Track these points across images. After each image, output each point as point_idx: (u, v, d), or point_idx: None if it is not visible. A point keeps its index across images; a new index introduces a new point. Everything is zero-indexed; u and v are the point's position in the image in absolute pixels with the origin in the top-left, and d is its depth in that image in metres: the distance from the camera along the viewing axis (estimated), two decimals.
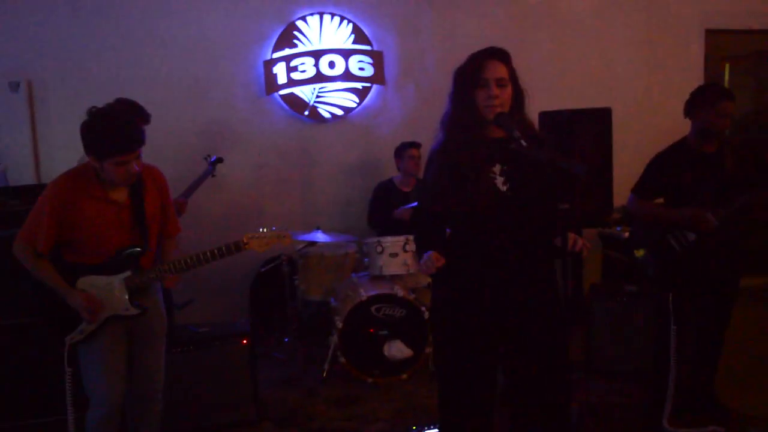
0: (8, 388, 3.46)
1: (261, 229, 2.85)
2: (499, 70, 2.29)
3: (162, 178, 2.94)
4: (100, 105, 3.82)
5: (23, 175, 4.87)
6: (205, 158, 4.77)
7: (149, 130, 3.90)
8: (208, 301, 5.20)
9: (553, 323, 2.38)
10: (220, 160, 4.78)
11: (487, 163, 2.32)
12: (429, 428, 3.33)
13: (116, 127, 2.55)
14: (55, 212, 2.61)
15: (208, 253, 2.77)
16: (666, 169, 3.39)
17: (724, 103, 3.27)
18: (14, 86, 4.93)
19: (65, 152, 4.59)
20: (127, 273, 2.72)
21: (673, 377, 3.30)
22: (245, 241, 2.79)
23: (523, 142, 2.18)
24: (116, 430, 2.79)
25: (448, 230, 2.48)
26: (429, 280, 4.59)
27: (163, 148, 4.69)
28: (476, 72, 2.29)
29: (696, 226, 3.23)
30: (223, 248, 2.77)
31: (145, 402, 2.94)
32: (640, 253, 3.42)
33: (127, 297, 2.72)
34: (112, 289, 2.71)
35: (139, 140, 2.61)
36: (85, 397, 2.76)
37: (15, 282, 3.34)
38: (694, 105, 3.36)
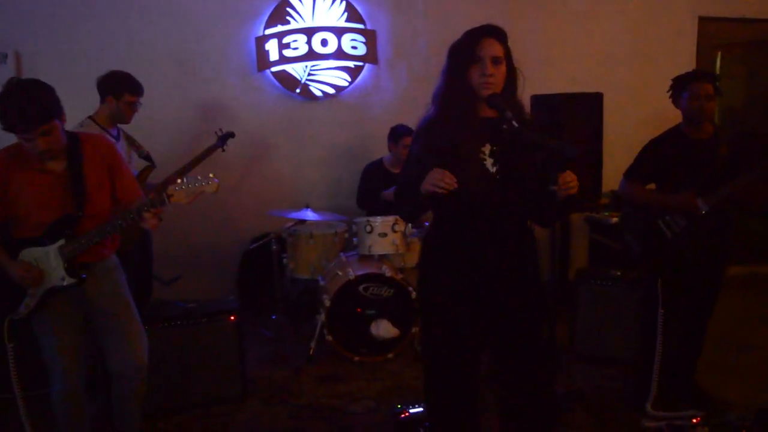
0: None
1: (183, 180, 2.64)
2: (495, 48, 2.27)
3: (106, 147, 2.83)
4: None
5: None
6: (216, 132, 4.71)
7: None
8: (196, 278, 5.21)
9: (535, 304, 2.40)
10: (231, 134, 4.72)
11: (477, 143, 2.31)
12: (414, 407, 3.36)
13: (14, 107, 2.46)
14: None
15: (135, 210, 2.62)
16: (660, 154, 3.41)
17: (696, 84, 3.29)
18: (2, 57, 4.87)
19: None
20: (61, 241, 2.67)
21: (658, 361, 3.35)
22: (169, 193, 2.60)
23: (515, 123, 2.18)
24: (79, 407, 2.83)
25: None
26: (417, 260, 4.61)
27: (152, 123, 4.68)
28: (472, 49, 2.27)
29: (686, 209, 3.26)
30: (147, 203, 2.61)
31: (123, 381, 2.91)
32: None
33: (62, 266, 2.67)
34: (48, 260, 2.67)
35: (35, 120, 2.48)
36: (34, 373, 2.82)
37: None
38: (674, 93, 3.42)
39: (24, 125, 2.47)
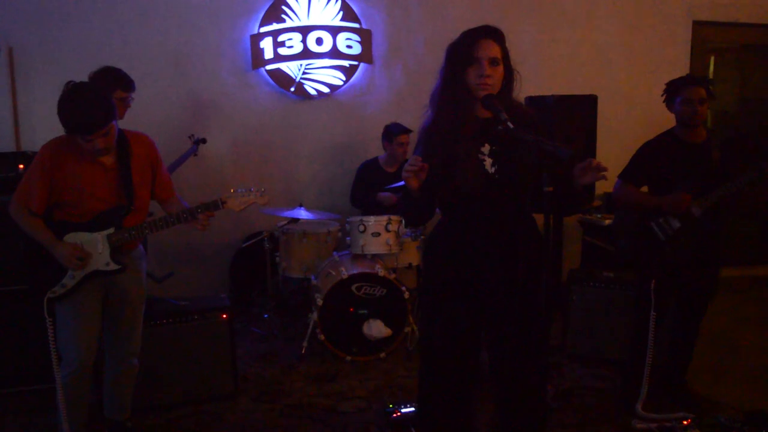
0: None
1: (238, 189, 2.98)
2: (492, 50, 2.27)
3: (149, 145, 3.02)
4: (82, 73, 3.80)
5: (3, 143, 4.80)
6: (190, 137, 4.77)
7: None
8: (189, 275, 5.20)
9: (536, 304, 2.41)
10: (203, 140, 4.83)
11: (476, 143, 2.31)
12: (406, 406, 3.37)
13: (77, 110, 2.62)
14: (46, 172, 2.74)
15: (189, 211, 2.89)
16: (654, 157, 3.43)
17: (689, 89, 3.33)
18: None
19: (46, 120, 4.52)
20: (110, 230, 2.83)
21: (648, 363, 3.36)
22: (223, 199, 2.92)
23: (510, 124, 2.18)
24: (87, 386, 2.92)
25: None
26: (410, 260, 4.62)
27: (144, 119, 4.64)
28: (469, 50, 2.27)
29: (677, 209, 3.27)
30: (202, 206, 2.88)
31: (120, 364, 3.06)
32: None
33: (108, 252, 2.82)
34: (95, 245, 2.81)
35: (99, 123, 2.64)
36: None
37: (2, 251, 3.50)
38: (667, 97, 3.46)
39: (88, 128, 2.63)
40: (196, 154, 4.81)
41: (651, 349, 3.35)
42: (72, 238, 2.79)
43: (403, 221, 4.40)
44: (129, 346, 3.05)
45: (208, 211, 2.90)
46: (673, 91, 3.41)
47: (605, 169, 2.19)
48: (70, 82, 2.68)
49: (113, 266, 2.84)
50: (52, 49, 4.92)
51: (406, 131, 4.90)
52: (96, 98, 2.65)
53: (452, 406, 2.49)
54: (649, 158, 3.45)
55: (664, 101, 3.48)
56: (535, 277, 2.42)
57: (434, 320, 2.47)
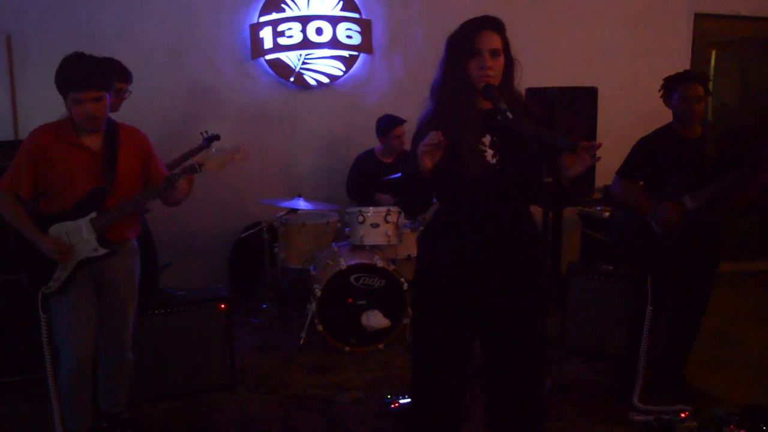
0: None
1: (212, 150, 2.90)
2: (493, 41, 2.25)
3: (141, 140, 3.00)
4: None
5: (1, 132, 4.77)
6: (202, 133, 4.72)
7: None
8: (187, 266, 5.19)
9: (533, 298, 2.40)
10: (216, 137, 4.73)
11: (477, 134, 2.30)
12: (404, 397, 3.37)
13: (78, 64, 2.66)
14: (32, 156, 2.74)
15: (168, 180, 2.80)
16: (650, 152, 3.43)
17: (687, 86, 3.32)
18: None
19: (44, 108, 4.49)
20: (93, 214, 2.78)
21: (644, 357, 3.37)
22: (200, 162, 2.83)
23: (510, 115, 2.16)
24: (88, 381, 2.89)
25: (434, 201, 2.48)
26: (409, 252, 4.61)
27: (143, 111, 4.62)
28: (470, 41, 2.24)
29: (668, 219, 3.27)
30: (180, 171, 2.82)
31: (113, 358, 3.05)
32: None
33: (95, 237, 2.78)
34: (80, 232, 2.77)
35: (97, 82, 2.67)
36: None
37: None
38: (665, 93, 3.45)
39: (84, 83, 2.63)
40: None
41: (646, 343, 3.36)
42: (56, 229, 2.75)
43: (402, 212, 4.39)
44: (121, 340, 3.02)
45: (187, 176, 2.82)
46: (671, 87, 3.40)
47: (598, 146, 2.07)
48: (77, 51, 2.70)
49: (101, 251, 2.79)
50: (49, 37, 4.88)
51: (400, 123, 4.87)
52: (97, 61, 2.69)
53: (444, 401, 2.47)
54: (646, 154, 3.45)
55: (661, 96, 3.48)
56: (533, 271, 2.41)
57: (428, 314, 2.45)
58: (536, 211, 2.56)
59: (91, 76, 2.65)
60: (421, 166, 2.17)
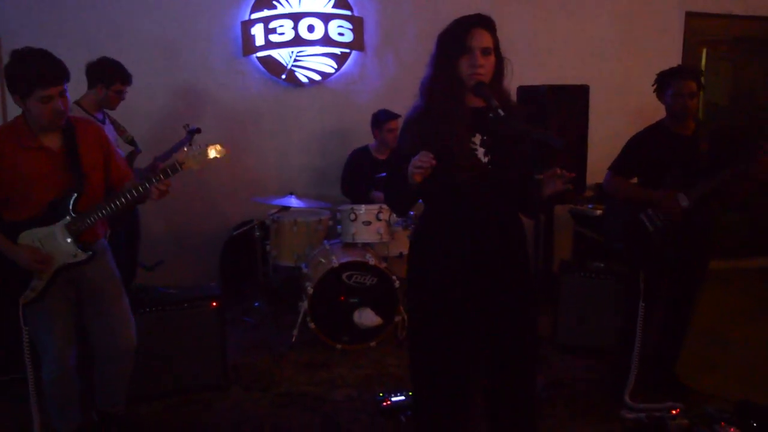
0: None
1: (193, 147, 2.82)
2: (484, 39, 2.25)
3: (96, 130, 2.88)
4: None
5: None
6: (184, 127, 4.72)
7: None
8: (179, 264, 5.18)
9: (526, 296, 2.40)
10: (198, 130, 4.74)
11: (467, 133, 2.29)
12: (396, 395, 3.37)
13: (38, 59, 2.53)
14: None
15: (148, 179, 2.67)
16: (643, 149, 3.43)
17: (680, 82, 3.32)
18: None
19: None
20: (67, 219, 2.65)
21: (636, 353, 3.38)
22: (180, 160, 2.73)
23: (501, 112, 2.16)
24: (72, 387, 2.84)
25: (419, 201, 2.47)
26: (401, 249, 4.61)
27: (135, 108, 4.62)
28: (461, 39, 2.24)
29: (666, 209, 3.28)
30: (162, 170, 2.68)
31: (111, 362, 2.96)
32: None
33: (71, 241, 2.66)
34: (55, 238, 2.65)
35: (62, 75, 2.56)
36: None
37: None
38: (659, 88, 3.45)
39: (53, 78, 2.51)
40: (190, 144, 4.77)
41: (639, 340, 3.37)
42: (27, 236, 2.62)
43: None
44: (117, 342, 2.91)
45: (167, 178, 2.69)
46: (664, 83, 3.40)
47: (571, 176, 2.15)
48: (16, 49, 2.57)
49: (81, 255, 2.68)
50: (41, 38, 4.75)
51: (395, 117, 4.87)
52: (49, 53, 2.57)
53: (448, 402, 2.44)
54: (639, 150, 3.46)
55: (654, 91, 3.48)
56: (526, 269, 2.41)
57: (424, 318, 2.44)
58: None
59: (55, 69, 2.54)
60: (411, 181, 2.18)
